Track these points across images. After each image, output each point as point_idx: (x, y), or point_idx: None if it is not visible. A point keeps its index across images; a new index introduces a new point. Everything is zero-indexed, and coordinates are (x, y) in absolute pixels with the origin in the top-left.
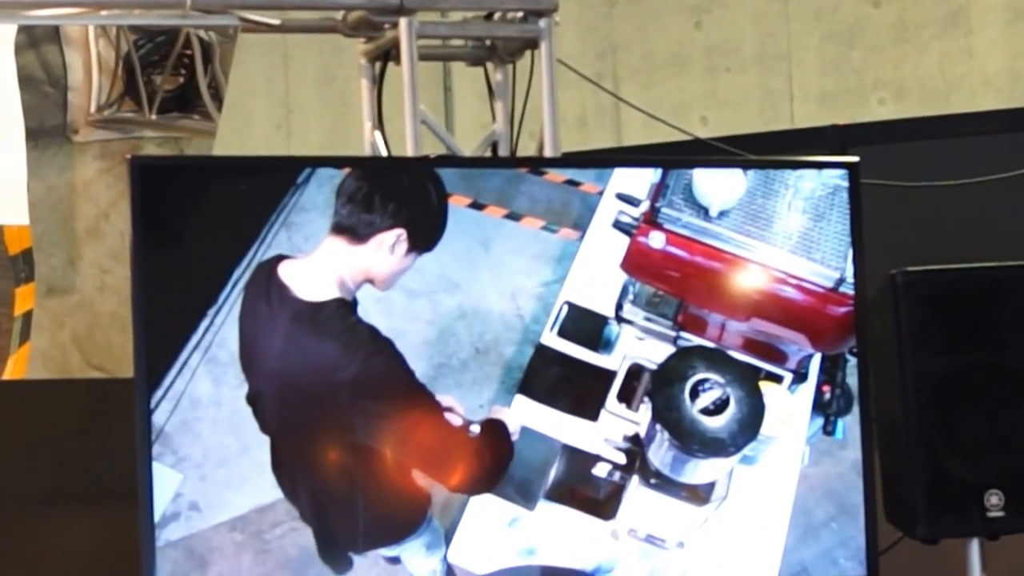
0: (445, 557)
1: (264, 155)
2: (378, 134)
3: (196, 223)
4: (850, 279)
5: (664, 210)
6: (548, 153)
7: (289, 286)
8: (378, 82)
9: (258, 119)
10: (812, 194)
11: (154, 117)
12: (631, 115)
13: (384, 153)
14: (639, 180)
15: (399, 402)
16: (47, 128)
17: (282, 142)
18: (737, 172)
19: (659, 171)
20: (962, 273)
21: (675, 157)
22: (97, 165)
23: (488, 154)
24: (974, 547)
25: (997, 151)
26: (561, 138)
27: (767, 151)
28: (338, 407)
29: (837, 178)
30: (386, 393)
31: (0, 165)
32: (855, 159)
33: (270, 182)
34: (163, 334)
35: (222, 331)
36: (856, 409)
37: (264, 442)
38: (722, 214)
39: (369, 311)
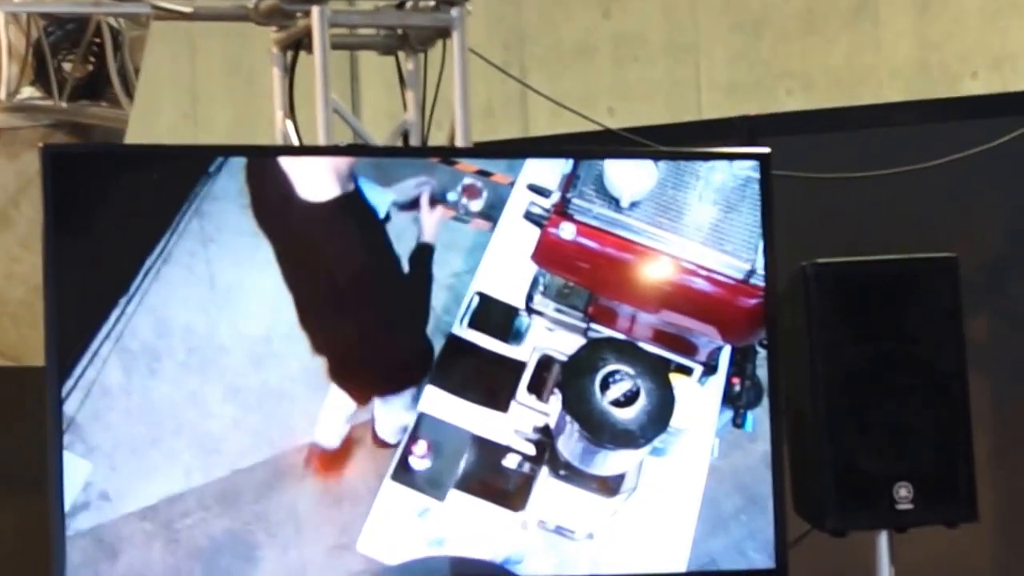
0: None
1: (176, 143)
2: (290, 123)
3: (108, 212)
4: (760, 271)
5: (575, 201)
6: (459, 143)
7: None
8: (290, 71)
9: (164, 107)
10: (723, 186)
11: (64, 104)
12: (538, 106)
13: (296, 142)
14: (550, 171)
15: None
16: None
17: (189, 131)
18: (648, 163)
19: (571, 162)
20: (872, 265)
21: (588, 148)
22: (5, 152)
23: (399, 143)
24: (882, 540)
25: (906, 143)
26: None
27: (676, 142)
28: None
29: (748, 170)
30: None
31: None
32: (766, 150)
33: (182, 171)
34: (75, 323)
35: (134, 320)
36: (766, 402)
37: (174, 431)
38: (633, 205)
39: (278, 296)
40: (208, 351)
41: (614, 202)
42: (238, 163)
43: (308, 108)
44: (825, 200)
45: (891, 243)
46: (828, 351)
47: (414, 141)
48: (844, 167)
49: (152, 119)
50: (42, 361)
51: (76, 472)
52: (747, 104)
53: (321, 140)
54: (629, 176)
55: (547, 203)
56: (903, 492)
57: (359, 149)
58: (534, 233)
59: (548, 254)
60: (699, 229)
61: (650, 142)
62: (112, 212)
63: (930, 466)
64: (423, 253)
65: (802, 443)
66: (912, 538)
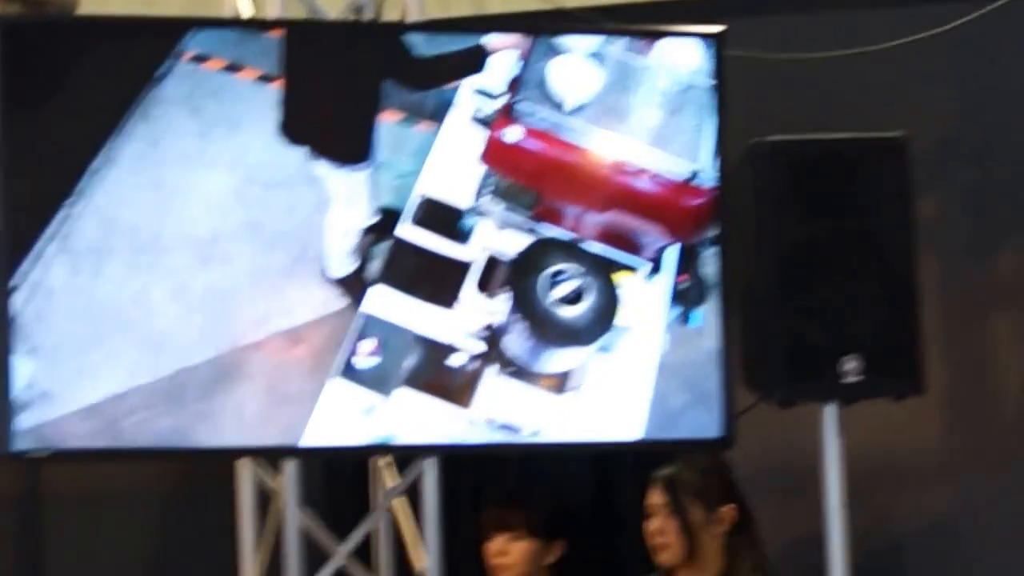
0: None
1: (133, 15)
2: None
3: (58, 98)
4: (705, 171)
5: (521, 104)
6: (412, 19)
7: None
8: None
9: None
10: (667, 89)
11: None
12: None
13: (248, 14)
14: (496, 74)
15: None
16: None
17: (141, 9)
18: (594, 67)
19: (518, 65)
20: (823, 143)
21: (542, 24)
22: None
23: (352, 19)
24: (830, 412)
25: (858, 25)
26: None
27: (631, 23)
28: None
29: (692, 74)
30: None
31: None
32: (720, 29)
33: (129, 72)
34: (21, 220)
35: (80, 221)
36: (712, 299)
37: (119, 330)
38: (578, 108)
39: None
40: (154, 251)
41: (559, 105)
42: (185, 69)
43: None
44: (776, 81)
45: (842, 125)
46: (778, 227)
47: (367, 17)
48: (796, 48)
49: None
50: None
51: (18, 371)
52: None
53: (275, 14)
54: (574, 79)
55: (494, 106)
56: (851, 365)
57: (312, 24)
58: (482, 135)
59: (495, 156)
60: (644, 131)
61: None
62: (64, 98)
63: (878, 340)
64: None
65: (752, 316)
66: (860, 411)
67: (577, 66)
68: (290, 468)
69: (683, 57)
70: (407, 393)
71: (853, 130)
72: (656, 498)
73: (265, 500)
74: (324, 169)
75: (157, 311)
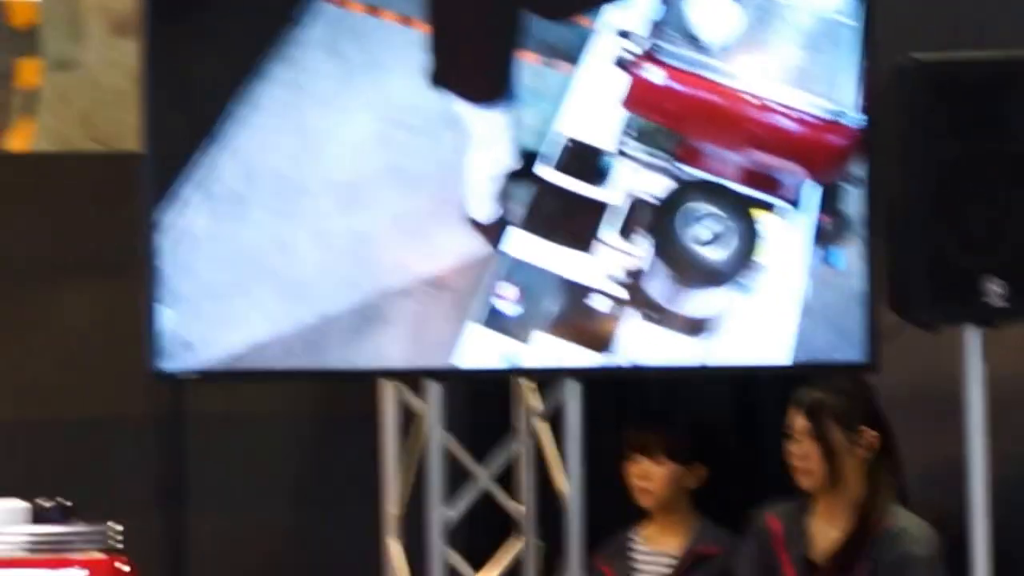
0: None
1: None
2: None
3: (200, 40)
4: (848, 110)
5: (663, 46)
6: None
7: None
8: None
9: None
10: (809, 27)
11: None
12: None
13: None
14: (637, 15)
15: None
16: None
17: None
18: (736, 8)
19: (661, 9)
20: (972, 62)
21: None
22: None
23: None
24: (973, 335)
25: None
26: None
27: None
28: None
29: (834, 13)
30: None
31: None
32: None
33: (267, 13)
34: (165, 166)
35: (221, 166)
36: (856, 239)
37: (260, 278)
38: (720, 48)
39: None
40: (296, 197)
41: (701, 46)
42: (326, 9)
43: None
44: None
45: (993, 43)
46: (925, 147)
47: None
48: None
49: None
50: (135, 147)
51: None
52: None
53: None
54: (716, 20)
55: (635, 48)
56: (996, 288)
57: None
58: (622, 78)
59: (639, 98)
60: (786, 70)
61: None
62: (202, 44)
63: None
64: None
65: (897, 237)
66: (1004, 335)
67: (718, 6)
68: (434, 390)
69: None
70: (547, 339)
71: (1004, 48)
72: (798, 422)
73: (408, 423)
74: (464, 108)
75: (299, 257)
